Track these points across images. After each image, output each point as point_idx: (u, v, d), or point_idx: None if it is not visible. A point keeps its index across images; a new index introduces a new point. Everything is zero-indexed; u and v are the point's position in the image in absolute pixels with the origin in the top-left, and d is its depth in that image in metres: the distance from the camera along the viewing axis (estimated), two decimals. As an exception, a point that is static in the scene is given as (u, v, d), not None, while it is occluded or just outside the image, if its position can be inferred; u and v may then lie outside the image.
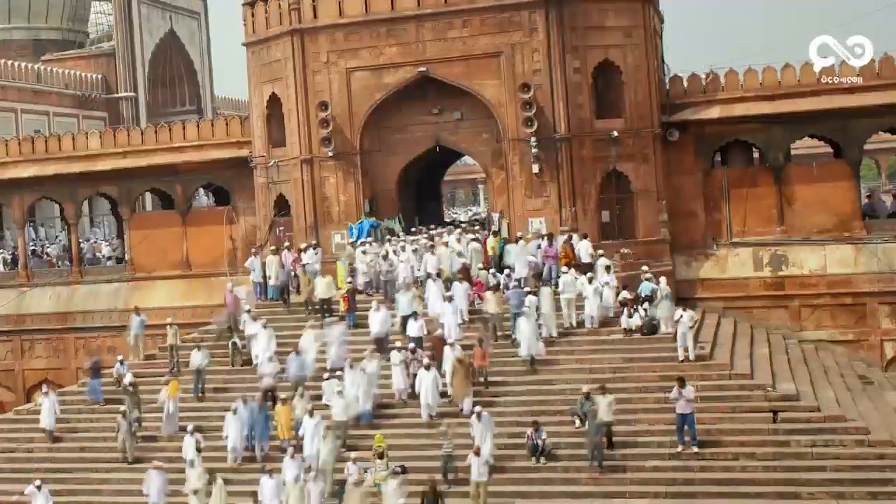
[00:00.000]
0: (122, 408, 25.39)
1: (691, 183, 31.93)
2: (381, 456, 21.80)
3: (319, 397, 24.61)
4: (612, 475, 21.90)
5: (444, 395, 24.30)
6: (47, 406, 26.79)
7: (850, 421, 22.62)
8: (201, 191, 39.16)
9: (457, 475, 21.75)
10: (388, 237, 31.33)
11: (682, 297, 29.20)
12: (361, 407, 24.15)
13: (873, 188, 51.16)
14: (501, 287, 27.39)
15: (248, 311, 28.55)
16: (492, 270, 28.75)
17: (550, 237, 29.28)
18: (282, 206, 33.56)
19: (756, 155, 33.86)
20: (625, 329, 26.27)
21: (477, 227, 33.87)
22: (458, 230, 31.84)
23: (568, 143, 30.39)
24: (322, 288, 29.06)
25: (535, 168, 30.45)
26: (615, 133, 30.58)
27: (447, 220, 41.54)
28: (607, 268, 27.69)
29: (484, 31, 30.79)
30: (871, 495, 20.52)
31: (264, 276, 30.79)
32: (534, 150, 30.24)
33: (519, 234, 29.65)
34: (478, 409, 22.35)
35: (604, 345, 26.17)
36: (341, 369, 24.91)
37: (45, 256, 42.94)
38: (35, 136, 40.37)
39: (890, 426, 22.87)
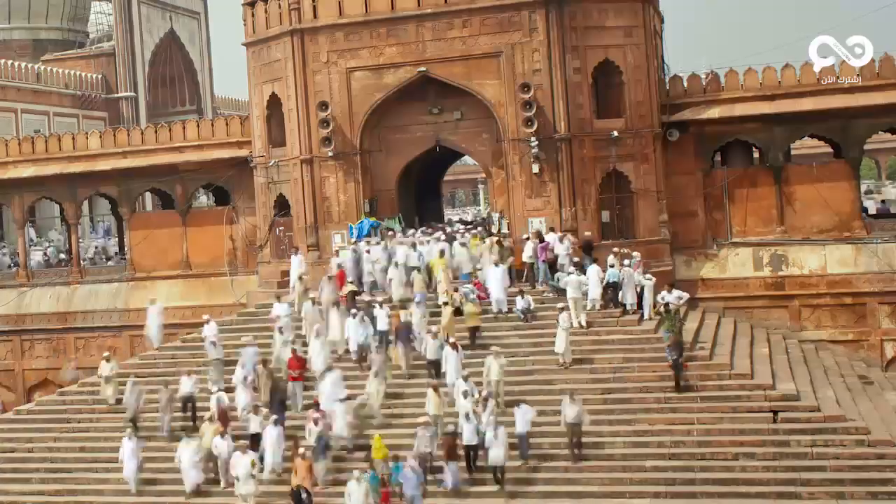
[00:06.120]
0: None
1: (691, 183, 31.92)
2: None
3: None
4: (612, 475, 21.92)
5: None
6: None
7: (850, 421, 22.61)
8: (201, 191, 39.15)
9: None
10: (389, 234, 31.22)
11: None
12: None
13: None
14: None
15: None
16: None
17: (540, 235, 29.38)
18: (282, 206, 33.56)
19: (756, 155, 33.87)
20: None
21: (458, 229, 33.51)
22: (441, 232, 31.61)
23: (568, 143, 30.38)
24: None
25: (535, 168, 30.44)
26: (615, 133, 30.58)
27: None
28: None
29: (484, 31, 30.77)
30: (871, 495, 20.54)
31: None
32: (534, 150, 30.22)
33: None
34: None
35: (604, 345, 26.17)
36: None
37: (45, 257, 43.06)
38: (35, 136, 40.31)
39: (890, 426, 22.88)
